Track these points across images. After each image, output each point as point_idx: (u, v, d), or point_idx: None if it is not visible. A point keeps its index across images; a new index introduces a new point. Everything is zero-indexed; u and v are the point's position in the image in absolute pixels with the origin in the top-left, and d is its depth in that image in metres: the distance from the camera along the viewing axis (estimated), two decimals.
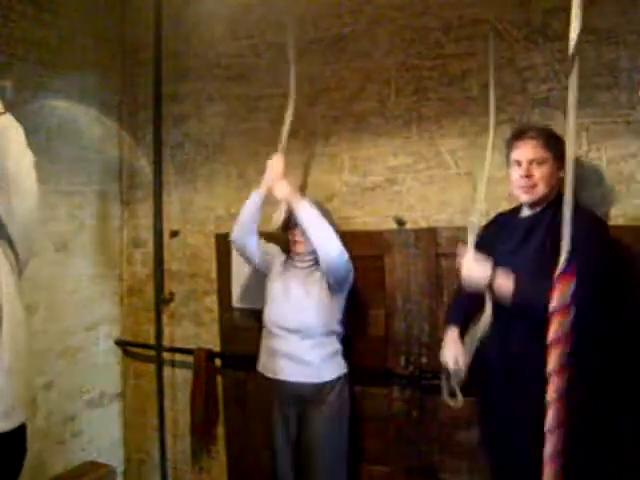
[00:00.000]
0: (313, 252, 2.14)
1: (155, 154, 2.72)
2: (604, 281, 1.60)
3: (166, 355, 2.77)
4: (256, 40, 2.59)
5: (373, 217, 2.34)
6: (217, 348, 2.70)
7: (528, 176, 1.72)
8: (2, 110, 1.60)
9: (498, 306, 1.71)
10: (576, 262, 1.47)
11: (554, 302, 1.30)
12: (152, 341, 2.75)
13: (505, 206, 2.00)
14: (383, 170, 2.33)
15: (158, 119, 2.71)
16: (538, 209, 1.76)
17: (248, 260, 2.31)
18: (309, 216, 2.06)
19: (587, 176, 1.94)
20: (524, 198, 1.76)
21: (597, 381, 1.67)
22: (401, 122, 2.28)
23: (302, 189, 2.43)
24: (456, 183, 2.19)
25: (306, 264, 2.18)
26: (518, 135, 1.79)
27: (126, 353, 3.00)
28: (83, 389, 2.79)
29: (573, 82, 1.24)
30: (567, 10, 1.94)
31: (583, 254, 1.45)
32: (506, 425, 1.73)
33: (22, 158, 1.60)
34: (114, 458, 2.94)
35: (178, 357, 2.82)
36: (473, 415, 2.05)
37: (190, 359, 2.72)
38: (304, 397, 2.10)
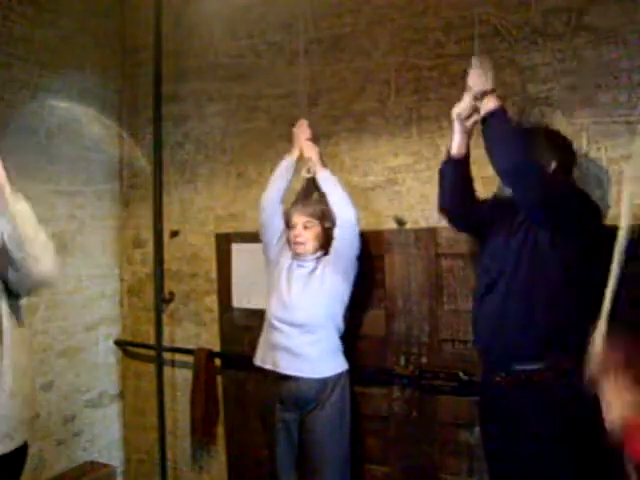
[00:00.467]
0: (314, 253, 2.15)
1: (155, 154, 2.72)
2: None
3: (166, 355, 2.77)
4: (256, 40, 2.59)
5: (373, 217, 2.34)
6: (217, 348, 2.70)
7: None
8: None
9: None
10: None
11: None
12: (152, 341, 2.76)
13: None
14: (383, 170, 2.33)
15: (158, 119, 2.71)
16: None
17: (269, 233, 2.25)
18: (330, 178, 2.14)
19: (587, 176, 1.94)
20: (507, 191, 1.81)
21: None
22: (401, 122, 2.28)
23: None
24: None
25: (307, 266, 2.17)
26: None
27: (126, 353, 3.00)
28: (83, 389, 2.79)
29: None
30: (567, 10, 1.97)
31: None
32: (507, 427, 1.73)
33: (34, 241, 1.61)
34: (114, 458, 2.95)
35: (178, 357, 2.82)
36: (473, 415, 2.05)
37: (190, 359, 2.72)
38: (305, 395, 2.08)
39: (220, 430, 2.72)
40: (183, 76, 2.78)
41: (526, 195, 1.63)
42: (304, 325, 2.08)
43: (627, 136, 1.89)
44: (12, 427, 1.55)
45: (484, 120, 1.69)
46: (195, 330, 2.81)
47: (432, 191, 2.22)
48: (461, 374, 2.10)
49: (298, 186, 2.31)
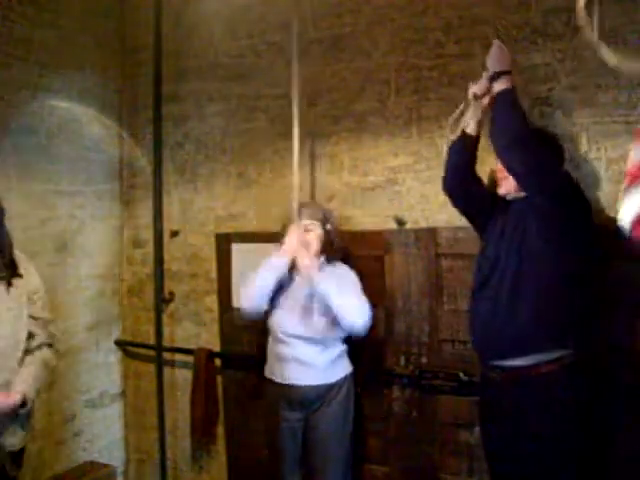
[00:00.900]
0: (320, 252, 2.14)
1: (155, 154, 2.72)
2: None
3: (166, 355, 2.77)
4: (256, 40, 2.59)
5: (373, 217, 2.34)
6: (217, 348, 2.70)
7: (501, 170, 1.81)
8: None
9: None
10: None
11: None
12: (152, 341, 2.75)
13: None
14: (383, 170, 2.33)
15: (158, 119, 2.71)
16: (519, 195, 1.79)
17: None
18: (329, 289, 2.01)
19: (587, 176, 1.94)
20: (500, 190, 1.85)
21: None
22: (401, 122, 2.28)
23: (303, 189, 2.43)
24: None
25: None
26: None
27: (126, 353, 3.00)
28: (83, 389, 2.79)
29: None
30: (567, 10, 1.96)
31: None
32: (505, 426, 1.73)
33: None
34: (114, 458, 2.95)
35: (178, 357, 2.82)
36: (473, 415, 2.05)
37: (190, 359, 2.72)
38: (311, 399, 2.09)
39: (220, 430, 2.72)
40: (183, 76, 2.78)
41: (522, 164, 1.64)
42: (312, 337, 2.08)
43: (627, 136, 1.88)
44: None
45: (494, 99, 1.73)
46: (195, 330, 2.81)
47: (432, 191, 2.23)
48: (461, 374, 2.10)
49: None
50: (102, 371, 2.90)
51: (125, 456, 3.03)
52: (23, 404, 1.65)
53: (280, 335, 2.12)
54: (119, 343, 2.98)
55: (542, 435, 1.63)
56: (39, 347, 1.81)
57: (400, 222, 2.28)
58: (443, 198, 2.21)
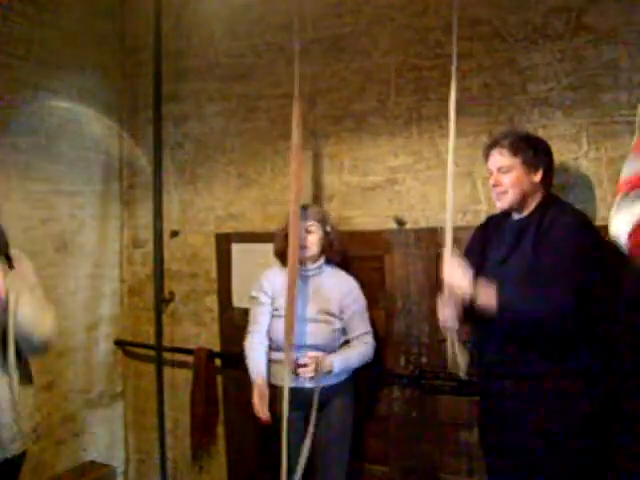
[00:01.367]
0: (317, 260, 2.15)
1: (155, 154, 2.72)
2: (589, 281, 1.59)
3: (166, 355, 2.77)
4: (256, 40, 2.59)
5: (373, 217, 2.34)
6: (217, 348, 2.71)
7: (496, 184, 1.76)
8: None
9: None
10: (558, 262, 1.53)
11: None
12: (152, 341, 2.75)
13: None
14: (383, 170, 2.33)
15: (158, 119, 2.71)
16: (526, 213, 1.76)
17: None
18: (346, 367, 2.10)
19: (587, 176, 1.94)
20: (498, 205, 1.79)
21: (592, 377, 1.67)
22: (401, 122, 2.28)
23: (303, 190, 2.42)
24: (456, 183, 2.17)
25: (313, 269, 2.16)
26: (490, 145, 1.80)
27: (126, 353, 3.00)
28: (83, 389, 2.79)
29: None
30: (567, 10, 1.97)
31: (563, 253, 1.55)
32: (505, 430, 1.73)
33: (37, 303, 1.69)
34: (114, 458, 2.95)
35: (178, 357, 2.82)
36: (473, 415, 2.05)
37: (190, 359, 2.72)
38: (313, 400, 2.06)
39: (220, 430, 2.72)
40: (183, 76, 2.78)
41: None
42: (314, 345, 2.07)
43: (627, 136, 1.88)
44: (17, 432, 1.62)
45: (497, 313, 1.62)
46: (195, 330, 2.81)
47: (432, 191, 2.23)
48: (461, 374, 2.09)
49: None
50: (102, 371, 2.90)
51: (125, 456, 3.03)
52: None
53: (281, 344, 2.09)
54: (119, 343, 2.98)
55: (542, 434, 1.63)
56: None
57: (400, 222, 2.28)
58: (443, 198, 2.21)
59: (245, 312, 2.59)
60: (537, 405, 1.64)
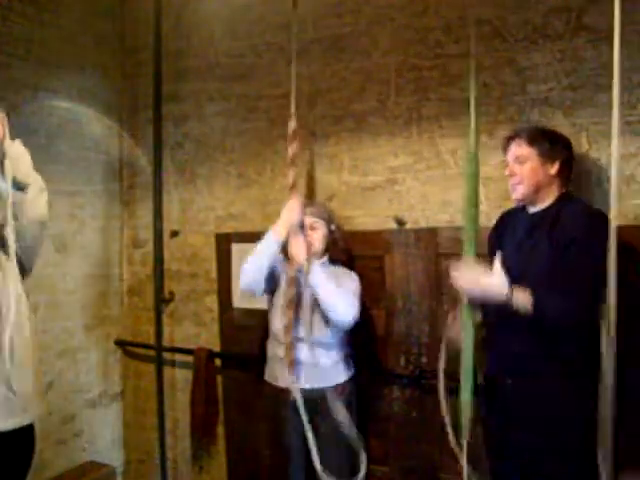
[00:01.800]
0: (320, 258, 2.13)
1: (155, 154, 2.72)
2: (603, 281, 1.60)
3: (166, 355, 2.77)
4: (256, 40, 2.59)
5: (373, 217, 2.34)
6: (217, 348, 2.70)
7: (511, 174, 1.77)
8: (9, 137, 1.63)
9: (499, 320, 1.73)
10: (576, 260, 1.51)
11: None
12: (152, 341, 2.75)
13: (507, 206, 1.99)
14: (383, 170, 2.33)
15: (158, 119, 2.71)
16: (541, 206, 1.76)
17: (258, 291, 2.16)
18: (322, 280, 2.01)
19: (587, 176, 1.94)
20: (512, 196, 1.80)
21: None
22: (401, 122, 2.28)
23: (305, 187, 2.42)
24: (456, 183, 2.19)
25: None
26: (509, 136, 1.82)
27: (126, 353, 3.00)
28: (83, 389, 2.79)
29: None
30: (567, 10, 1.97)
31: (589, 252, 1.52)
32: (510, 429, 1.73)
33: (33, 183, 1.68)
34: (114, 458, 2.95)
35: (178, 357, 2.82)
36: (473, 415, 2.05)
37: (190, 359, 2.72)
38: (315, 401, 2.06)
39: (220, 430, 2.72)
40: (183, 76, 2.78)
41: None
42: (316, 340, 2.06)
43: (627, 136, 1.89)
44: (26, 399, 1.54)
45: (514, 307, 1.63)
46: (195, 330, 2.81)
47: (432, 191, 2.23)
48: None
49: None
50: (102, 371, 2.90)
51: (125, 456, 3.03)
52: None
53: (278, 337, 2.10)
54: (119, 343, 2.98)
55: (544, 433, 1.63)
56: None
57: (400, 222, 2.28)
58: (443, 198, 2.22)
59: (245, 312, 2.60)
60: (543, 405, 1.64)
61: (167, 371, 2.78)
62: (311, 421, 2.09)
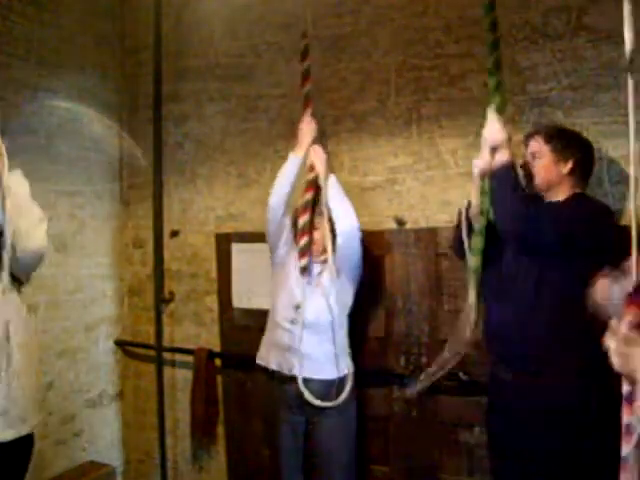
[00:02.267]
0: (322, 254, 2.14)
1: (155, 154, 2.72)
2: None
3: (166, 355, 2.77)
4: (256, 40, 2.59)
5: (373, 217, 2.34)
6: (217, 348, 2.70)
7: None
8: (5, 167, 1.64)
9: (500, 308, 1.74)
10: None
11: None
12: (152, 341, 2.75)
13: None
14: (383, 170, 2.33)
15: (158, 119, 2.71)
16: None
17: (276, 235, 2.22)
18: (336, 186, 2.14)
19: None
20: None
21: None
22: (401, 122, 2.28)
23: None
24: (456, 183, 2.19)
25: (315, 267, 2.16)
26: (530, 133, 1.85)
27: (126, 353, 3.00)
28: (83, 389, 2.79)
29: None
30: (567, 10, 1.97)
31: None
32: (513, 427, 1.72)
33: (31, 216, 1.66)
34: (114, 458, 2.95)
35: (178, 357, 2.82)
36: (473, 415, 2.05)
37: (190, 359, 2.72)
38: (312, 395, 2.04)
39: (220, 430, 2.72)
40: (183, 76, 2.78)
41: (534, 240, 1.63)
42: (312, 326, 2.06)
43: (627, 136, 1.87)
44: (25, 409, 1.55)
45: (492, 173, 1.72)
46: (195, 330, 2.81)
47: (432, 191, 2.23)
48: (461, 374, 2.09)
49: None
50: (102, 371, 2.90)
51: (125, 456, 3.03)
52: None
53: (279, 321, 2.11)
54: (119, 343, 2.98)
55: (546, 434, 1.62)
56: None
57: (400, 222, 2.29)
58: (443, 198, 2.22)
59: (245, 312, 2.60)
60: (544, 403, 1.64)
61: (167, 371, 2.78)
62: (309, 421, 2.10)
